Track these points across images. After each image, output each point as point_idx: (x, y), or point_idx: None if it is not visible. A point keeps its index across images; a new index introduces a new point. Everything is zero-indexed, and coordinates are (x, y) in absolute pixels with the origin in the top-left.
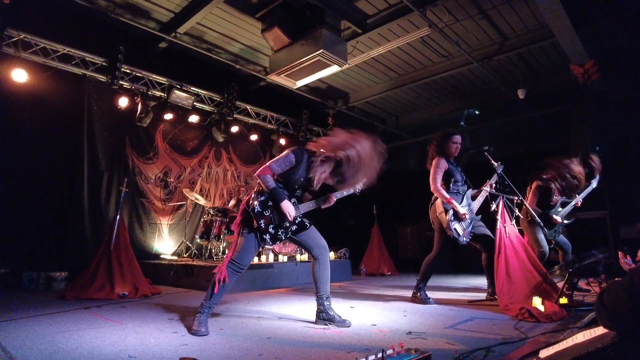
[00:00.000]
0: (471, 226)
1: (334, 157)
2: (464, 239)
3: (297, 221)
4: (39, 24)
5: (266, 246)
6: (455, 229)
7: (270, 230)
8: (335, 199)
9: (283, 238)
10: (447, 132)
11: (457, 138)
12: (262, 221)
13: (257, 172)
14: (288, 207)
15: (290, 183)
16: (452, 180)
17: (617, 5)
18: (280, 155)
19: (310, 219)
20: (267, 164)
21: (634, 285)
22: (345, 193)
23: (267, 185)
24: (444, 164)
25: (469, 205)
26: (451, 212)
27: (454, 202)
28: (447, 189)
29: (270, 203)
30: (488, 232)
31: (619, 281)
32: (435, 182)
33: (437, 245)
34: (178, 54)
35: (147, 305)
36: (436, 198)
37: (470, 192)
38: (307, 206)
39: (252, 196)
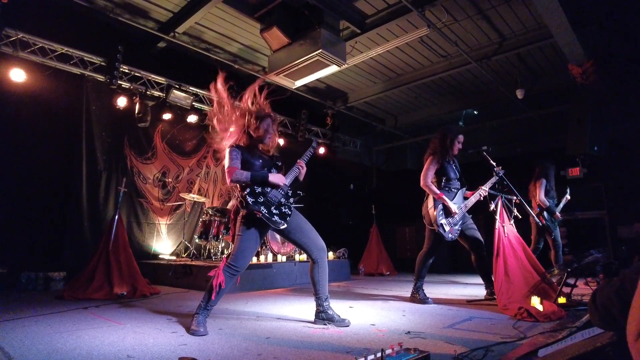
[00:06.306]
0: (460, 224)
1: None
2: (450, 236)
3: (289, 192)
4: (37, 23)
5: (282, 227)
6: (442, 224)
7: (274, 211)
8: (304, 162)
9: (289, 212)
10: (456, 131)
11: (462, 138)
12: (263, 210)
13: (228, 181)
14: (276, 177)
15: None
16: (444, 178)
17: (615, 5)
18: (226, 157)
19: (310, 220)
20: (227, 168)
21: (624, 288)
22: (308, 154)
23: (244, 178)
24: (437, 163)
25: (461, 203)
26: (440, 207)
27: (444, 197)
28: (439, 186)
29: (257, 190)
30: (478, 235)
31: (612, 282)
32: (426, 178)
33: (428, 241)
34: (177, 53)
35: (145, 305)
36: (429, 194)
37: (464, 190)
38: (290, 176)
39: (237, 202)
